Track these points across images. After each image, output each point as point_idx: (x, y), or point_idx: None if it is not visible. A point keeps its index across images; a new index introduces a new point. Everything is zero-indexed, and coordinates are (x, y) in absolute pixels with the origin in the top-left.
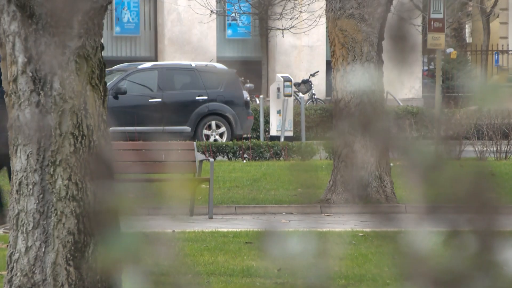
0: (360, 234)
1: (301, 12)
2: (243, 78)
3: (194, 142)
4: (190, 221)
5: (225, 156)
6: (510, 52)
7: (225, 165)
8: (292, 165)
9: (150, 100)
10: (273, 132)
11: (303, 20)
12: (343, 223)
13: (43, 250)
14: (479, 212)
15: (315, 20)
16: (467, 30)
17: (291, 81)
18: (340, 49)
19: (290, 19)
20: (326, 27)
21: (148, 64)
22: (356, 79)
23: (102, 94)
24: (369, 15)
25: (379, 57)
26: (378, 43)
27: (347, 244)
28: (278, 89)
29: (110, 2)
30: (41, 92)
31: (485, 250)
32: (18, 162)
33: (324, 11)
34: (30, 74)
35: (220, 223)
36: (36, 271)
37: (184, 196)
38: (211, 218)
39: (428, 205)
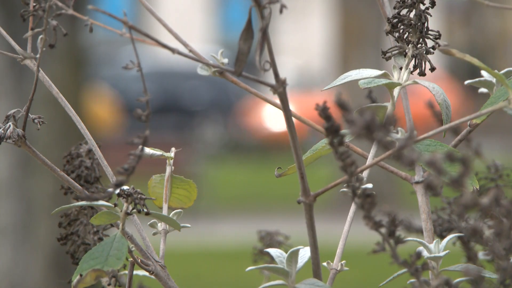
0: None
1: None
2: None
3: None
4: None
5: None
6: None
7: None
8: None
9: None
10: None
11: None
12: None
13: (30, 259)
14: None
15: None
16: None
17: None
18: None
19: None
20: None
21: None
22: None
23: (84, 86)
24: None
25: None
26: None
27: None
28: None
29: None
30: (22, 83)
31: None
32: None
33: None
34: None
35: (221, 226)
36: (22, 282)
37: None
38: (211, 221)
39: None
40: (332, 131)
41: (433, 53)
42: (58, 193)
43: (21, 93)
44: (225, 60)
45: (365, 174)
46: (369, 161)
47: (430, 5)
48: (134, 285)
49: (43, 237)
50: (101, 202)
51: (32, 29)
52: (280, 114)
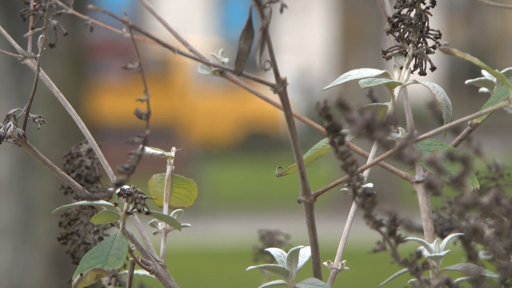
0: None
1: None
2: None
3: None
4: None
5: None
6: None
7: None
8: None
9: None
10: None
11: None
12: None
13: (30, 259)
14: None
15: None
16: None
17: None
18: None
19: None
20: None
21: None
22: None
23: (85, 85)
24: None
25: None
26: None
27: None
28: None
29: None
30: (22, 82)
31: None
32: None
33: None
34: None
35: (221, 226)
36: (22, 281)
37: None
38: (212, 220)
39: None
40: (333, 130)
41: (434, 52)
42: (58, 192)
43: (22, 92)
44: (225, 60)
45: (365, 173)
46: (369, 160)
47: (430, 5)
48: (135, 285)
49: (43, 237)
50: (101, 202)
51: (32, 28)
52: None
